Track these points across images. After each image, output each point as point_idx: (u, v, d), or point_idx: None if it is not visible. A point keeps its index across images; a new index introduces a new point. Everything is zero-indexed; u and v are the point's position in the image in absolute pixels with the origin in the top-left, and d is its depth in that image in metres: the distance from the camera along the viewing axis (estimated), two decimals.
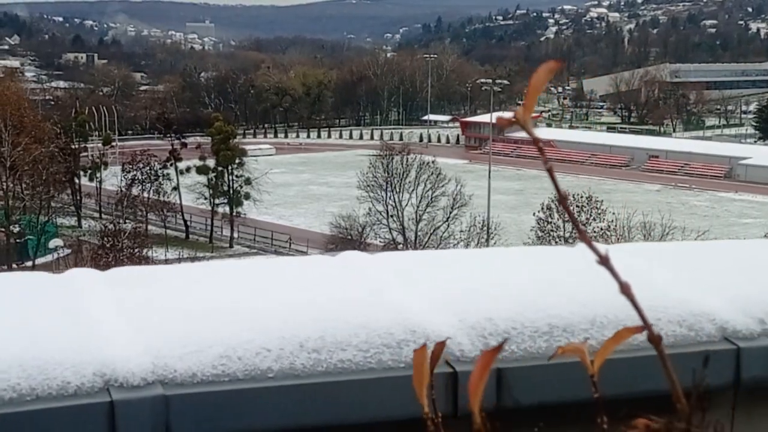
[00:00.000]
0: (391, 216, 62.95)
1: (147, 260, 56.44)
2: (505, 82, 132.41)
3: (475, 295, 2.23)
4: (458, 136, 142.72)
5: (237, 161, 76.08)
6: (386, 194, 63.66)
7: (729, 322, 2.21)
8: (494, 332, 2.08)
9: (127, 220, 69.83)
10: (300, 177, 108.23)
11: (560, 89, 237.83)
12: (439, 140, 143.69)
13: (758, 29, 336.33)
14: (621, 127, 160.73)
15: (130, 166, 77.24)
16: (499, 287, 2.30)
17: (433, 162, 65.77)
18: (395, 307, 2.13)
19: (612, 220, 53.88)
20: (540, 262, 2.61)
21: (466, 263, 2.62)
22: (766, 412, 2.27)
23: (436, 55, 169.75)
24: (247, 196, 75.44)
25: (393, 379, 1.93)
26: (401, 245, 61.29)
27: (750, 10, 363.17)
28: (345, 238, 61.78)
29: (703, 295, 2.30)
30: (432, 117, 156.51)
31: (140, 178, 76.81)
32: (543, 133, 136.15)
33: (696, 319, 2.21)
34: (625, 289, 0.89)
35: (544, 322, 2.13)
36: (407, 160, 65.08)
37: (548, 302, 2.19)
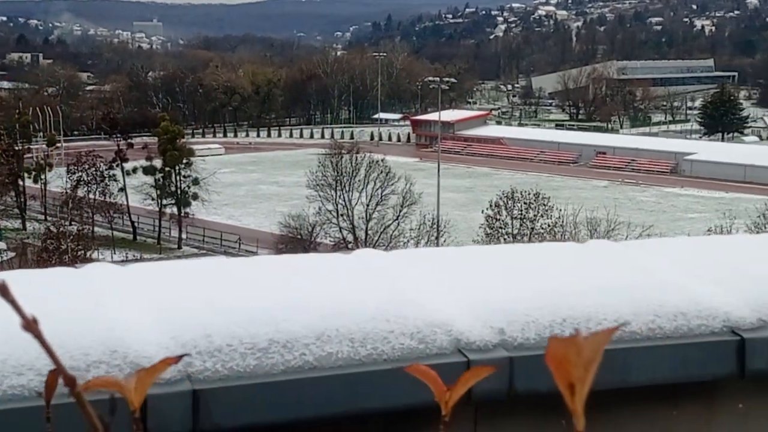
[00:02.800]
0: (341, 215, 62.77)
1: (92, 262, 55.55)
2: (453, 80, 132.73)
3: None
4: (409, 134, 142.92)
5: (184, 161, 75.40)
6: (336, 193, 63.46)
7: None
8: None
9: (72, 222, 68.80)
10: (250, 176, 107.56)
11: (509, 87, 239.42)
12: (390, 139, 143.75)
13: (703, 26, 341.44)
14: (569, 124, 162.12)
15: (76, 167, 76.10)
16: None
17: (382, 160, 65.71)
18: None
19: (559, 217, 54.22)
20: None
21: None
22: None
23: (385, 54, 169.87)
24: (195, 197, 74.79)
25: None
26: (351, 244, 61.15)
27: (695, 7, 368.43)
28: (295, 238, 61.51)
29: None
30: (383, 115, 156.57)
31: (86, 179, 75.73)
32: (493, 130, 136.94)
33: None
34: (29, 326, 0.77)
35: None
36: (356, 159, 64.95)
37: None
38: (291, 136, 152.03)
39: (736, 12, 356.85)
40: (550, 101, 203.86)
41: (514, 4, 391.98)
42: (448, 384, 1.03)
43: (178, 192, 74.84)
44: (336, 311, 2.10)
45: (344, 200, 63.00)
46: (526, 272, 2.42)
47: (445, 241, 60.17)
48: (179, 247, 72.67)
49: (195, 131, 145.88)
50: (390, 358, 1.97)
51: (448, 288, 2.25)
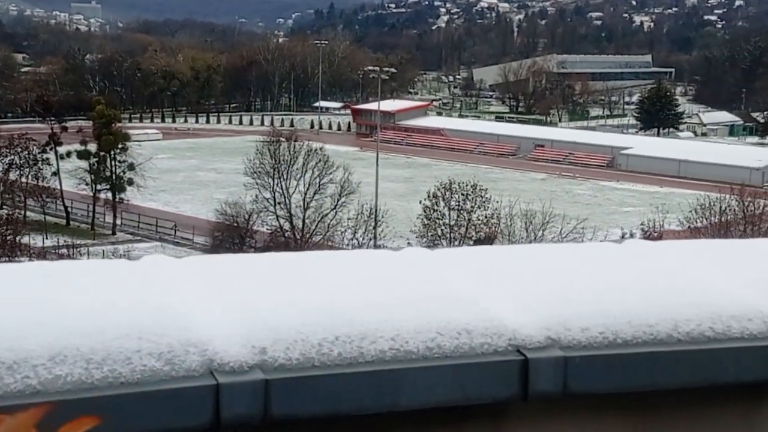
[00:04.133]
0: (279, 203, 62.37)
1: (24, 247, 54.57)
2: (393, 70, 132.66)
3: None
4: (349, 123, 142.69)
5: (120, 146, 74.26)
6: (273, 181, 63.04)
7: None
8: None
9: (4, 206, 67.37)
10: (188, 163, 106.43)
11: (451, 78, 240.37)
12: (330, 127, 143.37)
13: (641, 22, 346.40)
14: (509, 117, 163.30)
15: (7, 150, 74.49)
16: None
17: (321, 149, 65.43)
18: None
19: (495, 209, 54.55)
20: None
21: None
22: None
23: (327, 42, 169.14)
24: (131, 182, 73.74)
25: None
26: (288, 232, 60.83)
27: (634, 3, 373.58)
28: (231, 225, 60.99)
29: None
30: (323, 104, 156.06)
31: (18, 162, 74.20)
32: (433, 121, 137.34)
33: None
34: None
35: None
36: (295, 147, 64.59)
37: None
38: (230, 122, 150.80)
39: (674, 9, 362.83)
40: (490, 93, 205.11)
41: None
42: None
43: (113, 177, 73.71)
44: (78, 328, 1.88)
45: (282, 188, 62.62)
46: (311, 284, 2.20)
47: (383, 230, 60.23)
48: (113, 233, 71.61)
49: (132, 116, 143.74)
50: (128, 381, 1.79)
51: (222, 303, 2.05)
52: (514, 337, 2.02)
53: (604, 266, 2.45)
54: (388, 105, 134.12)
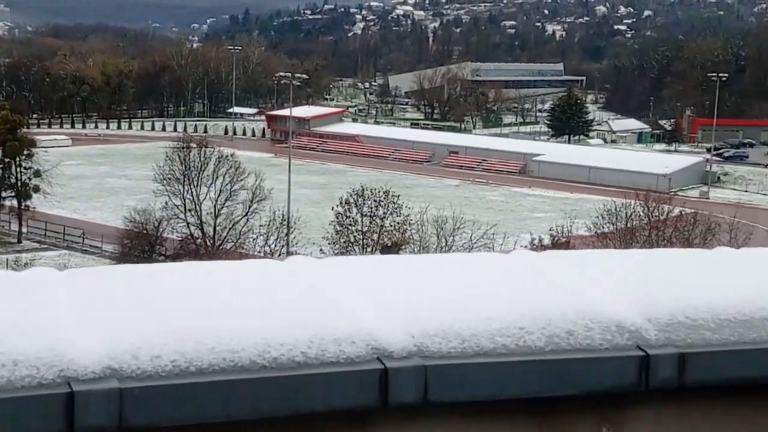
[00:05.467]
0: (189, 210, 61.58)
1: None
2: (305, 76, 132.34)
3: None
4: (264, 129, 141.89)
5: (26, 152, 72.41)
6: (184, 188, 62.22)
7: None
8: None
9: None
10: (98, 169, 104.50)
11: (367, 85, 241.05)
12: (245, 133, 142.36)
13: (554, 31, 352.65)
14: (424, 124, 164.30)
15: None
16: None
17: (232, 155, 64.85)
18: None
19: (408, 215, 54.69)
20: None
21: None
22: None
23: (241, 48, 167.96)
24: (37, 189, 71.94)
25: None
26: (199, 240, 60.08)
27: (546, 12, 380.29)
28: (141, 233, 60.00)
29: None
30: (238, 110, 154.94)
31: None
32: (349, 128, 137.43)
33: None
34: None
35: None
36: (205, 153, 63.88)
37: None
38: (143, 128, 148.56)
39: (586, 18, 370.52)
40: (406, 100, 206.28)
41: (372, 3, 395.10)
42: None
43: (18, 184, 71.82)
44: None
45: (192, 195, 61.84)
46: (173, 295, 2.15)
47: (295, 237, 59.89)
48: (19, 242, 69.86)
49: (41, 121, 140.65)
50: None
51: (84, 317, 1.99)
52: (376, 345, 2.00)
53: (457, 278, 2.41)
54: (303, 111, 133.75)
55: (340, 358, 1.95)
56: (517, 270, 2.49)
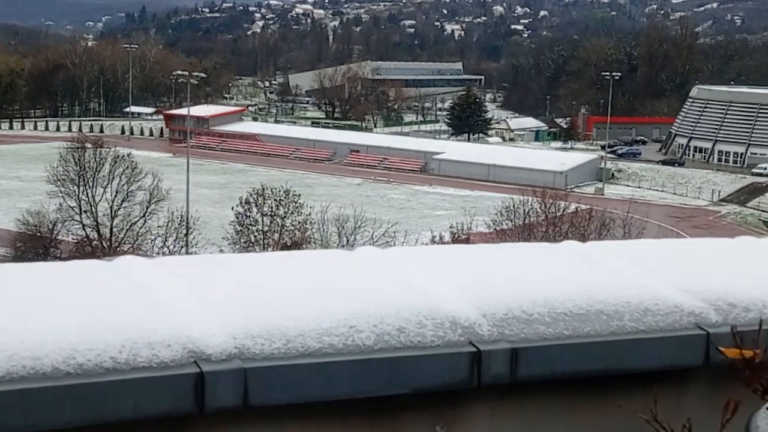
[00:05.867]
0: (85, 212, 60.18)
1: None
2: (202, 74, 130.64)
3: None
4: (162, 129, 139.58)
5: None
6: (79, 189, 60.76)
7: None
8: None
9: None
10: None
11: (267, 83, 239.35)
12: (142, 133, 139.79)
13: (453, 30, 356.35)
14: (325, 122, 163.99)
15: None
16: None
17: (128, 155, 63.63)
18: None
19: (309, 214, 54.57)
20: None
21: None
22: None
23: (138, 46, 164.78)
24: None
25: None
26: (95, 242, 58.75)
27: (445, 12, 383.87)
28: (34, 236, 58.39)
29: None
30: (135, 109, 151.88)
31: None
32: (249, 127, 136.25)
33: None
34: None
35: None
36: (101, 153, 62.51)
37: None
38: (36, 128, 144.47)
39: (483, 18, 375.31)
40: (307, 99, 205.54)
41: (271, 2, 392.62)
42: None
43: None
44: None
45: (88, 196, 60.44)
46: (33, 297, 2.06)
47: (194, 238, 59.13)
48: None
49: None
50: None
51: None
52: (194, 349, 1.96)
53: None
54: (202, 110, 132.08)
55: (153, 363, 1.88)
56: (360, 267, 2.44)
